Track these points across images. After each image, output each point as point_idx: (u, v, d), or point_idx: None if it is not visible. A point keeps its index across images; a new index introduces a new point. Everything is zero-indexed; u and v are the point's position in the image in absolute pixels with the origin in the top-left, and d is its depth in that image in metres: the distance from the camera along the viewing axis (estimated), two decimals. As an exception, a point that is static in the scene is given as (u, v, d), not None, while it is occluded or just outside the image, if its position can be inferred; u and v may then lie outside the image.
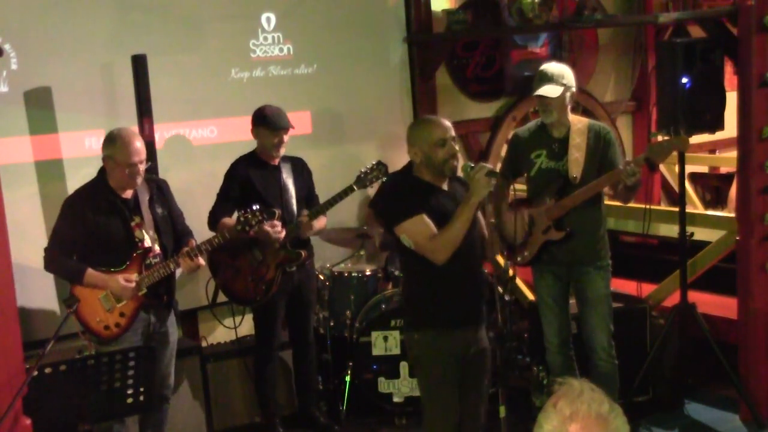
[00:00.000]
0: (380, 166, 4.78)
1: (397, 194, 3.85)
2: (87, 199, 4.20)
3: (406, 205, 3.68)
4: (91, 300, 4.15)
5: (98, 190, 4.22)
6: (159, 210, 4.33)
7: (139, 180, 4.20)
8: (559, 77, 4.38)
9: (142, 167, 4.17)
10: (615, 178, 4.33)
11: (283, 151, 4.91)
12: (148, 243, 4.25)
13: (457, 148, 3.72)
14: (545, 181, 4.47)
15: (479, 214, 3.81)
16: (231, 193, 4.85)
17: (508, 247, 4.60)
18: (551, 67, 4.46)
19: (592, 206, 4.46)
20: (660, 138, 4.30)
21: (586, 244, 4.48)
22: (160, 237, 4.30)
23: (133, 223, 4.24)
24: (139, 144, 4.17)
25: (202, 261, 4.31)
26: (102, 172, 4.26)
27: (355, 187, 4.81)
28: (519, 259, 4.60)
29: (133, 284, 4.17)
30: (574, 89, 4.46)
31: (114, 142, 4.16)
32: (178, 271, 4.43)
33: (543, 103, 4.42)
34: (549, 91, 4.36)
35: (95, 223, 4.16)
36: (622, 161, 4.44)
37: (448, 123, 3.75)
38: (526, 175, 4.61)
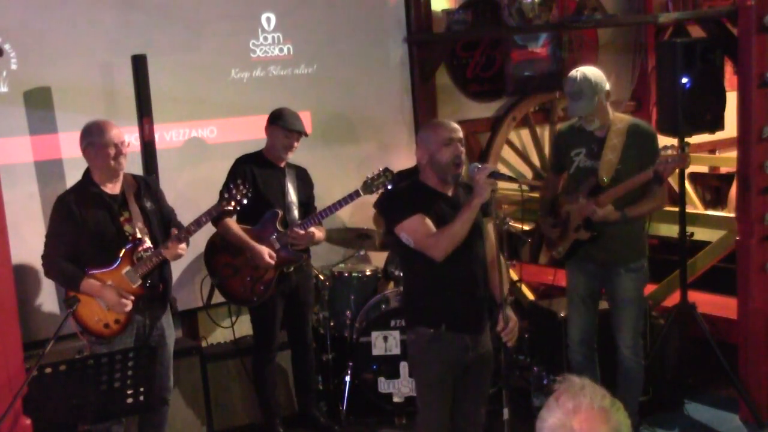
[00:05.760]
0: (387, 172, 4.76)
1: (399, 196, 3.89)
2: (74, 196, 4.20)
3: (406, 205, 3.70)
4: (89, 299, 4.13)
5: (84, 187, 4.22)
6: (147, 204, 4.31)
7: (124, 162, 4.19)
8: (590, 89, 4.32)
9: (124, 149, 4.18)
10: (642, 179, 4.31)
11: (290, 156, 4.91)
12: (138, 236, 4.23)
13: (463, 150, 3.72)
14: (581, 180, 4.47)
15: (491, 230, 3.82)
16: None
17: (547, 241, 4.73)
18: (578, 78, 4.36)
19: (627, 207, 4.41)
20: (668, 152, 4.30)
21: (620, 245, 4.45)
22: (150, 230, 4.27)
23: (122, 218, 4.23)
24: (115, 130, 4.19)
25: (184, 247, 4.26)
26: (87, 172, 4.26)
27: (361, 192, 4.79)
28: (554, 254, 4.68)
29: (129, 303, 4.14)
30: (607, 88, 4.39)
31: (90, 129, 4.19)
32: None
33: (579, 118, 4.44)
34: (579, 110, 4.36)
35: (84, 219, 4.14)
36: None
37: (456, 125, 3.77)
38: (566, 171, 4.61)
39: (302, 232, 4.79)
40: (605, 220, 4.35)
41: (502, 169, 5.88)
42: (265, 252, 4.74)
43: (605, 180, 4.38)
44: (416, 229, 3.64)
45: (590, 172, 4.44)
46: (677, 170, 5.07)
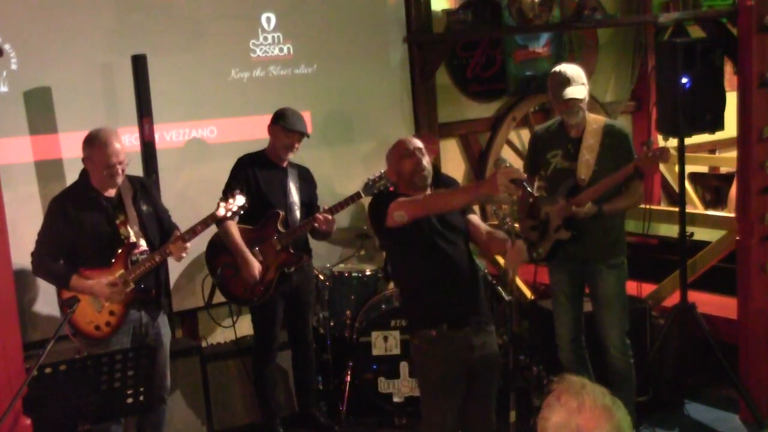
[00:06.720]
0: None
1: (383, 198, 3.90)
2: (70, 198, 4.19)
3: (388, 201, 3.75)
4: (82, 300, 4.12)
5: (81, 189, 4.22)
6: (144, 207, 4.31)
7: (119, 180, 4.18)
8: (580, 78, 4.37)
9: (120, 167, 4.15)
10: (622, 176, 4.32)
11: (292, 156, 4.91)
12: (133, 239, 4.23)
13: (425, 161, 3.81)
14: (558, 181, 4.48)
15: (476, 219, 3.89)
16: (236, 189, 4.83)
17: (529, 244, 4.67)
18: (569, 69, 4.41)
19: (604, 202, 4.41)
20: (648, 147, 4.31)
21: (599, 242, 4.47)
22: (146, 233, 4.27)
23: (118, 221, 4.22)
24: (117, 145, 4.13)
25: (188, 246, 4.27)
26: (84, 172, 4.25)
27: (362, 194, 4.81)
28: (534, 255, 4.65)
29: (119, 286, 4.15)
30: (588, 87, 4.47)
31: (92, 143, 4.14)
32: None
33: (570, 105, 4.41)
34: (578, 92, 4.35)
35: (80, 221, 4.14)
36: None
37: (415, 140, 3.92)
38: (542, 173, 4.62)
39: (331, 217, 4.80)
40: (585, 217, 4.36)
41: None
42: (256, 267, 4.74)
43: (585, 180, 4.39)
44: (403, 201, 3.70)
45: (568, 173, 4.45)
46: (677, 170, 5.09)
